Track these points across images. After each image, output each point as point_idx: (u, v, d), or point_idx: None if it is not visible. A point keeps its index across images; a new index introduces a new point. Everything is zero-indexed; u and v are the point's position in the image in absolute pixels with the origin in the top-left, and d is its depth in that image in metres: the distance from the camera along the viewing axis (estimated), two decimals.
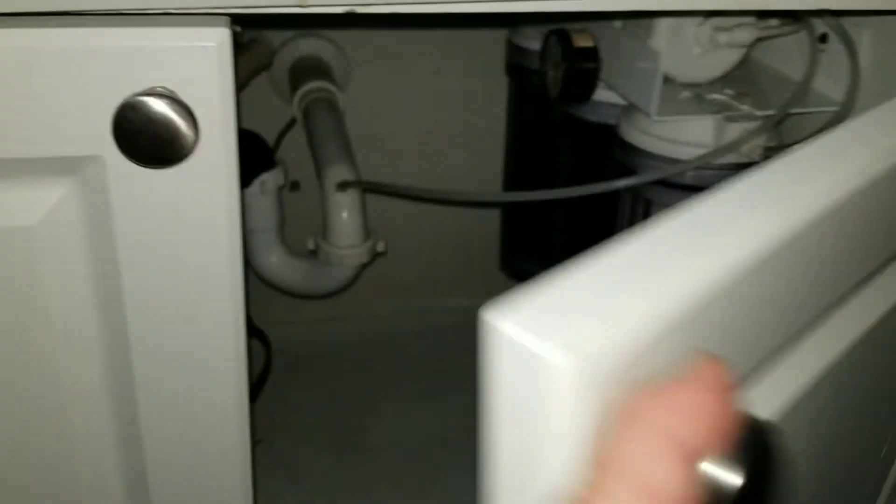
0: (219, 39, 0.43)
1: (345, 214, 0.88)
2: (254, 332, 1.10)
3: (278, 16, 0.46)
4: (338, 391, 1.22)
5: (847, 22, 0.67)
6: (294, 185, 1.17)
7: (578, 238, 0.95)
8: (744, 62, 0.81)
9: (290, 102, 1.03)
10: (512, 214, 1.11)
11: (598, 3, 0.49)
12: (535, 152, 0.99)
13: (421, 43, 1.13)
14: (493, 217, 1.18)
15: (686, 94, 0.71)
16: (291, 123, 1.11)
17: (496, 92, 1.08)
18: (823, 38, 0.71)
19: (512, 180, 1.07)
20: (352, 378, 1.24)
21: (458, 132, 1.19)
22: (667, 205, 0.73)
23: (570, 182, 0.91)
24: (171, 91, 0.43)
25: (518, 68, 0.98)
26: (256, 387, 1.15)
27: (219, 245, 0.49)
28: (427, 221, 1.26)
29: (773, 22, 0.70)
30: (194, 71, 0.43)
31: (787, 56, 0.75)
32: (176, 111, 0.43)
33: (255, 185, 0.90)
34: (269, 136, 1.09)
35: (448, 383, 1.24)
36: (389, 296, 1.32)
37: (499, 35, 1.02)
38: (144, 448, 0.53)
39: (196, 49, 0.43)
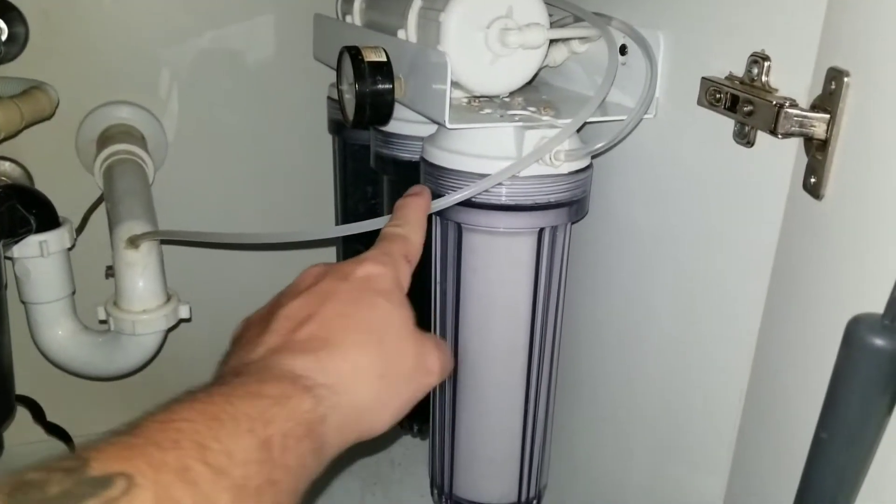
0: None
1: (136, 274, 0.78)
2: (52, 428, 0.96)
3: None
4: None
5: (645, 29, 0.65)
6: (110, 271, 1.06)
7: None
8: (550, 86, 0.79)
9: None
10: None
11: None
12: (362, 202, 0.93)
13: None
14: None
15: (488, 110, 0.67)
16: (100, 200, 1.02)
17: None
18: (623, 50, 0.68)
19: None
20: None
21: (292, 193, 1.14)
22: (479, 228, 0.67)
23: None
24: None
25: (337, 124, 0.94)
26: None
27: None
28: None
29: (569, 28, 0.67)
30: None
31: (594, 79, 0.73)
32: None
33: (33, 247, 0.79)
34: (76, 214, 0.99)
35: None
36: None
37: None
38: None
39: None
